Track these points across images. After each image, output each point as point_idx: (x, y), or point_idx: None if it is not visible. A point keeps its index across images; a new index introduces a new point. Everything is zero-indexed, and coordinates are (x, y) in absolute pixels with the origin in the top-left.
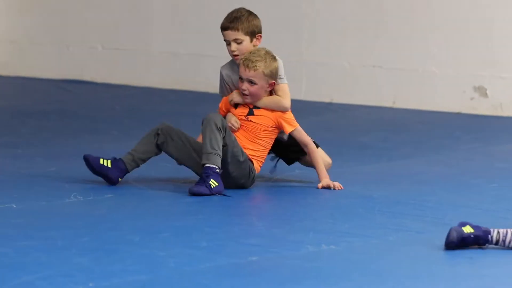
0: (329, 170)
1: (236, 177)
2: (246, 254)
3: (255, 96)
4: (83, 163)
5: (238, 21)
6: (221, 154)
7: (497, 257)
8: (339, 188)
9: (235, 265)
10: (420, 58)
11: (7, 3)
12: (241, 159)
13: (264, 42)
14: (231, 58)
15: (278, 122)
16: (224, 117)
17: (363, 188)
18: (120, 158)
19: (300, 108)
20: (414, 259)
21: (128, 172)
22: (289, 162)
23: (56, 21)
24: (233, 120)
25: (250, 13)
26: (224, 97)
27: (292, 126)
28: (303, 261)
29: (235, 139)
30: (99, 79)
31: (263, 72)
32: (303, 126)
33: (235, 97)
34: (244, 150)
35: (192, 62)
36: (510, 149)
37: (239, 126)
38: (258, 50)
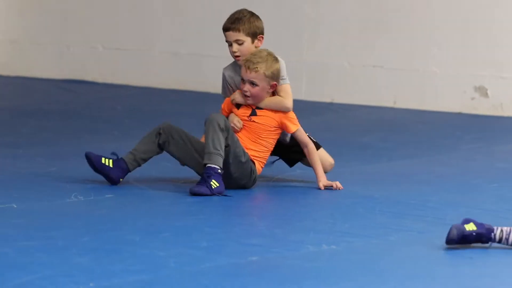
0: (331, 170)
1: (238, 178)
2: (247, 254)
3: (257, 98)
4: (84, 163)
5: (239, 22)
6: (223, 154)
7: (498, 257)
8: (339, 188)
9: (236, 265)
10: (421, 58)
11: (7, 3)
12: (243, 160)
13: (265, 42)
14: (233, 59)
15: (281, 122)
16: (227, 117)
17: (363, 188)
18: (121, 158)
19: (300, 108)
20: (414, 259)
21: (129, 171)
22: (291, 163)
23: (57, 21)
24: (235, 120)
25: (252, 14)
26: (227, 98)
27: (295, 125)
28: (303, 261)
29: (238, 139)
30: (100, 79)
31: (265, 74)
32: (303, 126)
33: (237, 97)
34: (246, 151)
35: (193, 62)
36: (510, 149)
37: (242, 126)
38: (260, 51)
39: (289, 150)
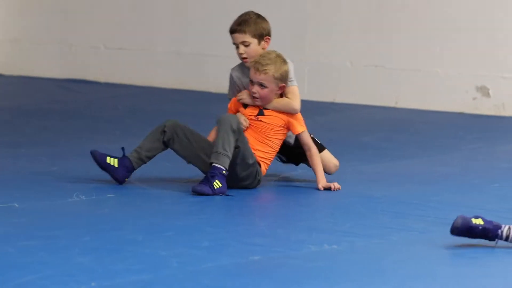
0: (335, 171)
1: (243, 179)
2: (249, 253)
3: (265, 99)
4: (85, 162)
5: (245, 24)
6: (230, 156)
7: (500, 257)
8: (338, 188)
9: (238, 264)
10: (423, 58)
11: (9, 3)
12: (250, 161)
13: None
14: (240, 61)
15: (288, 122)
16: None
17: (365, 188)
18: (126, 156)
19: (302, 108)
20: (416, 259)
21: (134, 169)
22: (296, 163)
23: (58, 21)
24: (242, 119)
25: (258, 16)
26: (233, 98)
27: (302, 127)
28: (305, 261)
29: (247, 141)
30: (102, 79)
31: (274, 76)
32: (306, 125)
33: (245, 98)
34: (253, 151)
35: (195, 62)
36: None
37: (248, 125)
38: (269, 53)
39: (294, 151)
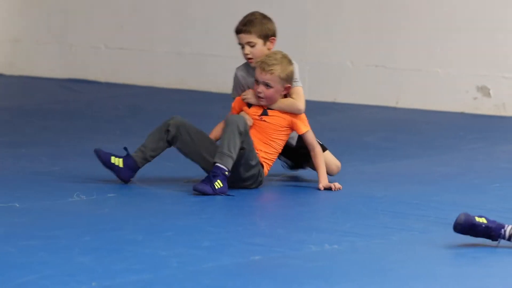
0: (337, 172)
1: (245, 179)
2: (249, 253)
3: (270, 99)
4: (86, 162)
5: (251, 24)
6: (235, 158)
7: (501, 257)
8: (338, 188)
9: (238, 264)
10: (423, 58)
11: (10, 3)
12: (253, 163)
13: None
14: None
15: (292, 122)
16: None
17: (366, 188)
18: (131, 156)
19: None
20: (417, 259)
21: (139, 169)
22: (296, 166)
23: (59, 21)
24: (245, 118)
25: (264, 16)
26: (237, 97)
27: (306, 127)
28: (306, 261)
29: (253, 143)
30: (102, 79)
31: (279, 76)
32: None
33: (250, 98)
34: (257, 152)
35: (196, 62)
36: None
37: (251, 124)
38: (275, 53)
39: (296, 153)
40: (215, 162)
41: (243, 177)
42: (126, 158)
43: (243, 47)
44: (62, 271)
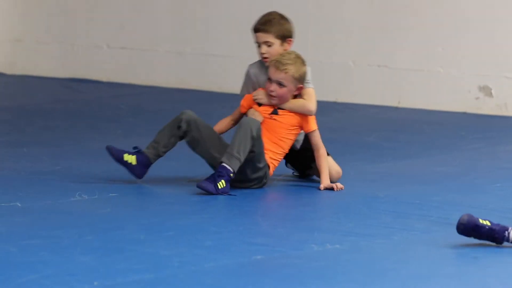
0: (338, 179)
1: (250, 180)
2: (251, 253)
3: (282, 99)
4: (88, 161)
5: (269, 24)
6: (242, 161)
7: (502, 257)
8: (340, 188)
9: (240, 264)
10: (425, 58)
11: (12, 3)
12: (261, 165)
13: None
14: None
15: (301, 120)
16: (245, 113)
17: (368, 188)
18: (143, 152)
19: None
20: (418, 259)
21: (151, 164)
22: (300, 171)
23: (61, 20)
24: (255, 115)
25: (282, 16)
26: (247, 95)
27: (314, 125)
28: (307, 260)
29: (263, 145)
30: (104, 78)
31: (293, 76)
32: None
33: (261, 97)
34: (265, 151)
35: (197, 61)
36: None
37: (261, 120)
38: (289, 53)
39: (299, 156)
40: (222, 162)
41: (249, 178)
42: (139, 155)
43: (259, 46)
44: (64, 270)
